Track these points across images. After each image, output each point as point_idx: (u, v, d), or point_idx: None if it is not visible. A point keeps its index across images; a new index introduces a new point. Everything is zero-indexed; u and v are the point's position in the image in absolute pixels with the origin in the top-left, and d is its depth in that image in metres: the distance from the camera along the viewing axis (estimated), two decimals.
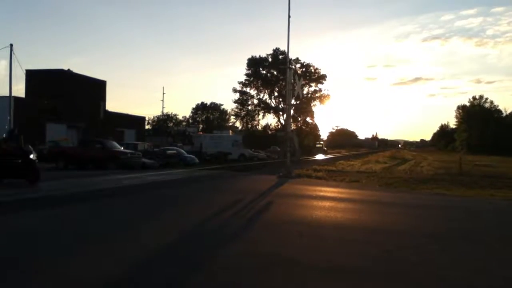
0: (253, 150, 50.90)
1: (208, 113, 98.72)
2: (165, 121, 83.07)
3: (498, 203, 13.59)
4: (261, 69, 77.60)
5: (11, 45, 33.74)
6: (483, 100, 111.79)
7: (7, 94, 33.97)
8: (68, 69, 45.43)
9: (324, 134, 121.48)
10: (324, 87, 79.09)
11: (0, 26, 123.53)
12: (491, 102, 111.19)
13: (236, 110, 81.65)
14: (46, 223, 8.18)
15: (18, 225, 7.97)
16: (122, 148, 28.11)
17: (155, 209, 10.63)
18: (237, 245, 6.63)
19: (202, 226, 8.29)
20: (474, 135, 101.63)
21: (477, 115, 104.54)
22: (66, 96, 42.55)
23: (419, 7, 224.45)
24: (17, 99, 36.05)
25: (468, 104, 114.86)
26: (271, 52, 76.38)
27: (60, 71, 44.66)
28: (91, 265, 5.31)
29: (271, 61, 75.92)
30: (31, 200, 11.39)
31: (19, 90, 44.93)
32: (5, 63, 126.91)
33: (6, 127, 32.94)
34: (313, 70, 78.51)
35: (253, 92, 79.31)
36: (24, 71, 40.26)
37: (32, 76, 43.04)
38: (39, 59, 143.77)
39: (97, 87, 48.96)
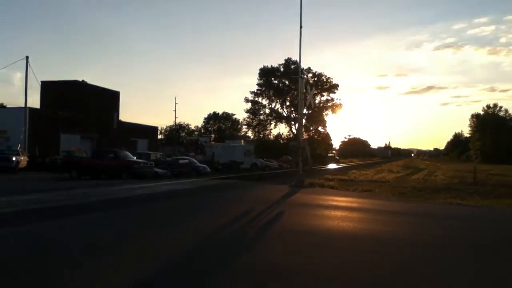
0: (265, 159, 50.85)
1: (220, 122, 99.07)
2: (177, 131, 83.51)
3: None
4: (273, 78, 77.82)
5: (27, 57, 34.37)
6: (497, 109, 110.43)
7: (23, 105, 34.54)
8: (83, 80, 46.11)
9: (336, 143, 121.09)
10: (336, 96, 79.10)
11: (17, 39, 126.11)
12: (506, 110, 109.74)
13: (248, 119, 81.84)
14: (54, 233, 8.25)
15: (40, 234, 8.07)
16: (135, 158, 28.32)
17: (168, 219, 10.65)
18: (250, 255, 6.61)
19: (215, 236, 8.28)
20: (488, 144, 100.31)
21: (491, 124, 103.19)
22: (80, 106, 43.10)
23: (430, 16, 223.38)
24: (32, 110, 36.62)
25: (482, 112, 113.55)
26: (283, 62, 76.70)
27: (75, 82, 45.31)
28: (105, 275, 5.35)
29: (283, 70, 76.11)
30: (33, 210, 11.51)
31: (34, 101, 45.65)
32: (21, 74, 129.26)
33: (21, 137, 33.49)
34: (325, 80, 78.55)
35: (265, 101, 79.54)
36: (40, 83, 40.98)
37: (47, 87, 43.77)
38: (54, 71, 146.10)
39: (111, 98, 49.50)
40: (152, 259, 6.22)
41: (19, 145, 32.51)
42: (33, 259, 6.07)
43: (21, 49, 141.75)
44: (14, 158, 28.77)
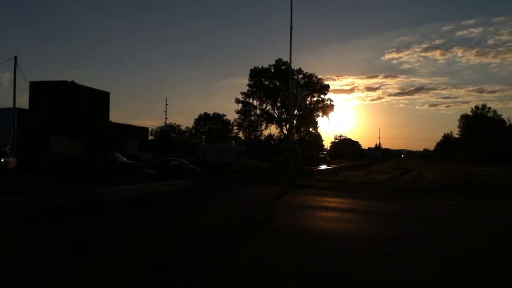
0: (256, 160, 50.80)
1: (211, 123, 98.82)
2: (168, 132, 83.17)
3: (504, 213, 13.50)
4: (263, 79, 77.72)
5: (16, 57, 34.00)
6: (486, 110, 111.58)
7: (11, 106, 34.14)
8: (72, 81, 45.62)
9: (327, 144, 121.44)
10: (327, 97, 79.29)
11: (5, 39, 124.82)
12: (494, 111, 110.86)
13: (238, 120, 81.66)
14: (44, 234, 8.16)
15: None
16: (125, 159, 28.13)
17: (159, 220, 10.57)
18: (241, 256, 6.59)
19: (206, 237, 8.23)
20: (477, 145, 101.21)
21: (480, 125, 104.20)
22: (70, 107, 42.71)
23: (419, 18, 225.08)
24: (21, 110, 36.20)
25: (470, 113, 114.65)
26: (274, 62, 76.65)
27: (64, 83, 44.84)
28: None
29: (274, 71, 76.03)
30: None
31: (23, 101, 45.14)
32: (9, 75, 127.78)
33: (10, 138, 33.12)
34: (315, 81, 78.65)
35: (255, 102, 79.38)
36: (28, 83, 40.52)
37: (36, 88, 43.24)
38: (43, 71, 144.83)
39: (101, 99, 49.08)
40: (145, 262, 6.18)
41: (8, 146, 32.12)
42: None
43: (9, 49, 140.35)
44: (2, 160, 28.43)
